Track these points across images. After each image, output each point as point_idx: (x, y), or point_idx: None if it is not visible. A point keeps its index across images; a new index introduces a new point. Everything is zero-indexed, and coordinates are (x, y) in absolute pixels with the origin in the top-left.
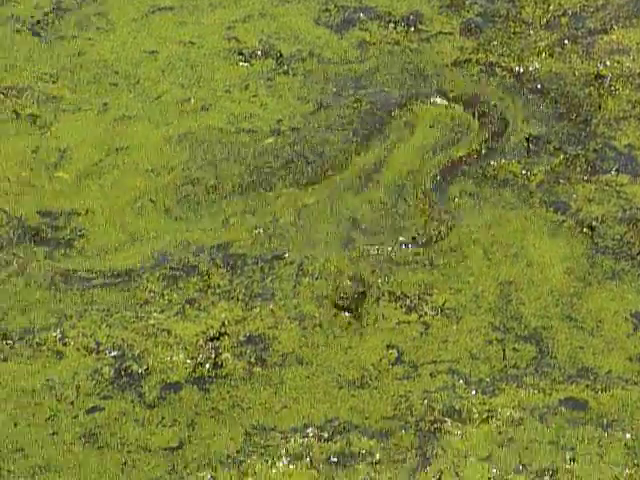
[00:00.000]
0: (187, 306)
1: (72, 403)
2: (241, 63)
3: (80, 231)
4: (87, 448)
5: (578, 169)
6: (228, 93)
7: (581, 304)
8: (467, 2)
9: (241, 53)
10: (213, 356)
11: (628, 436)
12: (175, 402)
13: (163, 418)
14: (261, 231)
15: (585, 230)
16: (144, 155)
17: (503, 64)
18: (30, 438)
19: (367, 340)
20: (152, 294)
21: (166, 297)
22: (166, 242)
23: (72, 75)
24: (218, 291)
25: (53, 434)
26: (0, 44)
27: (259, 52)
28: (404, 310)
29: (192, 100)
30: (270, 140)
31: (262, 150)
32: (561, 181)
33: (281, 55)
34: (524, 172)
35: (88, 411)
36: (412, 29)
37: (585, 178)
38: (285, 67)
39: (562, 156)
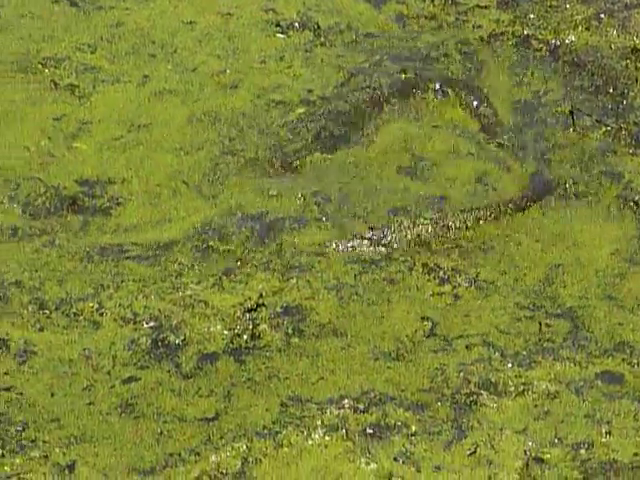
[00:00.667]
0: (224, 277)
1: (109, 373)
2: (278, 35)
3: (117, 200)
4: (123, 418)
5: (622, 142)
6: (263, 64)
7: (623, 284)
8: None
9: (278, 25)
10: (250, 327)
11: None
12: (212, 373)
13: (200, 388)
14: (301, 200)
15: (631, 205)
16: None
17: (539, 37)
18: (66, 408)
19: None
20: (188, 265)
21: (202, 268)
22: (203, 214)
23: (110, 45)
24: (255, 262)
25: (89, 404)
26: (38, 15)
27: (296, 24)
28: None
29: (227, 71)
30: (301, 110)
31: (293, 120)
32: (608, 154)
33: (319, 27)
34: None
35: (124, 381)
36: (449, 2)
37: (630, 151)
38: (322, 39)
39: (604, 129)
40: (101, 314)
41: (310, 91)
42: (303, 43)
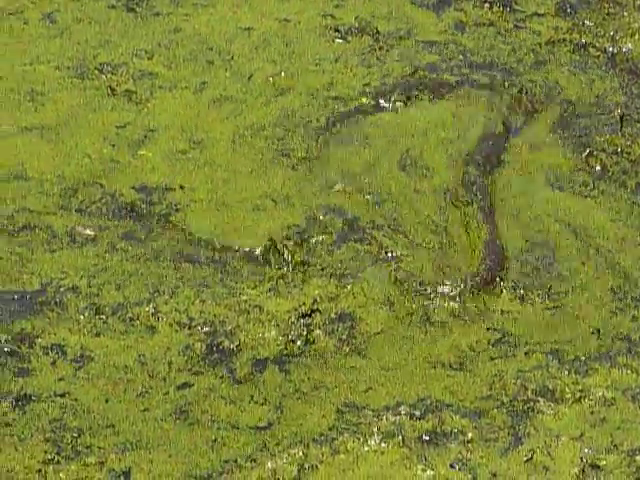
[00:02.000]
0: (280, 282)
1: (164, 379)
2: (337, 40)
3: (177, 207)
4: (178, 425)
5: None
6: (318, 66)
7: None
8: None
9: (337, 30)
10: (305, 333)
11: None
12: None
13: (253, 395)
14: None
15: None
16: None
17: (597, 45)
18: (121, 414)
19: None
20: (245, 270)
21: (258, 273)
22: (263, 219)
23: (168, 51)
24: (313, 267)
25: (144, 410)
26: (95, 20)
27: (355, 29)
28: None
29: (282, 74)
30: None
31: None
32: None
33: (378, 32)
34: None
35: (179, 387)
36: (507, 9)
37: None
38: (381, 44)
39: None
40: (157, 319)
41: (367, 84)
42: (362, 48)
